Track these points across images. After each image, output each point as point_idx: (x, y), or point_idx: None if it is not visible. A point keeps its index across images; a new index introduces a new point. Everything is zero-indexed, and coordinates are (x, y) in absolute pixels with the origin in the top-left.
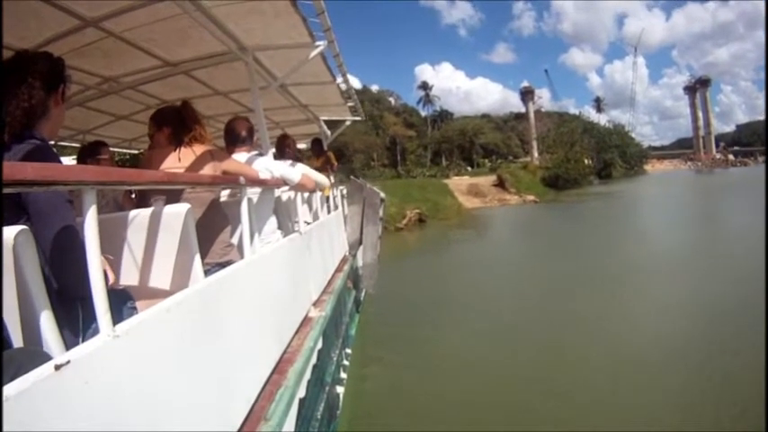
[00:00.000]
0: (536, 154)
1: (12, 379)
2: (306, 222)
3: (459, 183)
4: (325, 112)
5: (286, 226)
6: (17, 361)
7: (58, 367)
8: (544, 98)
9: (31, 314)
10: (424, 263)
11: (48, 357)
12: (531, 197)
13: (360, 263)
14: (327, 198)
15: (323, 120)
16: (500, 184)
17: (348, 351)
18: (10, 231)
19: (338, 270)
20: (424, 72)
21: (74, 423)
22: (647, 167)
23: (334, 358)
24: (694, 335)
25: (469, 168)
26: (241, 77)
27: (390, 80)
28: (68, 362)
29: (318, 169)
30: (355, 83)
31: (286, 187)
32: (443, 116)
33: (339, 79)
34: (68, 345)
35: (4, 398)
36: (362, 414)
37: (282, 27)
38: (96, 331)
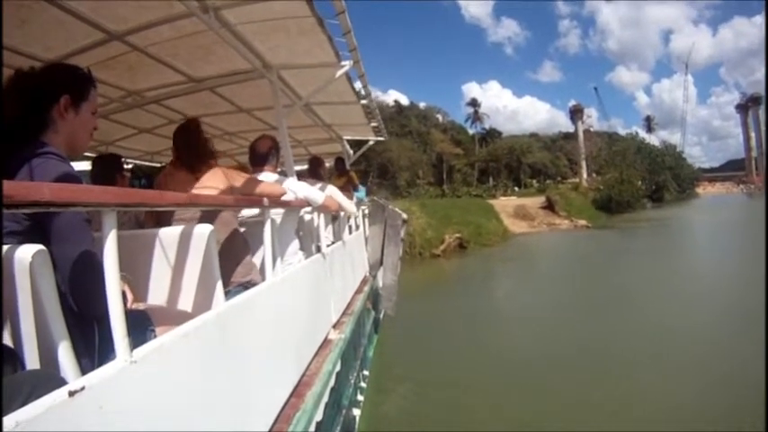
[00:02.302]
0: (585, 175)
1: (24, 403)
2: (329, 241)
3: (505, 204)
4: (349, 131)
5: (308, 247)
6: (30, 384)
7: (72, 393)
8: (592, 117)
9: (47, 336)
10: (455, 305)
11: (62, 381)
12: (583, 222)
13: (380, 283)
14: (348, 218)
15: (346, 139)
16: (549, 206)
17: (366, 373)
18: (27, 251)
19: (358, 291)
20: (472, 90)
21: None
22: (698, 190)
23: (352, 380)
24: None
25: (516, 189)
26: (265, 95)
27: (438, 97)
28: (83, 388)
29: (340, 188)
30: (402, 99)
31: (309, 208)
32: (491, 134)
33: (363, 100)
34: (84, 367)
35: (15, 423)
36: None
37: (308, 46)
38: (114, 357)
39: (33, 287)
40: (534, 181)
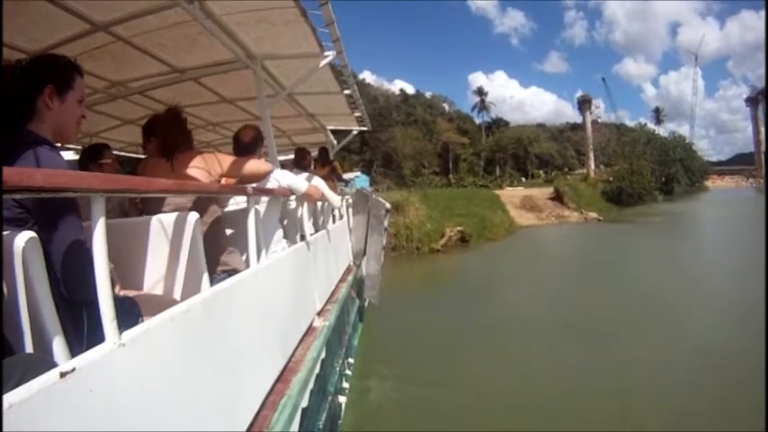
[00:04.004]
0: (593, 165)
1: (16, 385)
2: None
3: (512, 194)
4: (332, 121)
5: (292, 235)
6: (22, 367)
7: (63, 375)
8: (600, 108)
9: (38, 320)
10: (444, 317)
11: (53, 364)
12: (594, 214)
13: (364, 272)
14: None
15: (329, 129)
16: (557, 197)
17: (351, 361)
18: (20, 238)
19: (342, 280)
20: (478, 80)
21: (77, 431)
22: (708, 183)
23: (337, 368)
24: None
25: (523, 179)
26: (249, 85)
27: (444, 87)
28: (73, 369)
29: (324, 178)
30: (408, 88)
31: (293, 197)
32: (498, 124)
33: (347, 90)
34: (74, 351)
35: (8, 404)
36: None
37: (291, 37)
38: (103, 339)
39: (25, 273)
40: (541, 171)
